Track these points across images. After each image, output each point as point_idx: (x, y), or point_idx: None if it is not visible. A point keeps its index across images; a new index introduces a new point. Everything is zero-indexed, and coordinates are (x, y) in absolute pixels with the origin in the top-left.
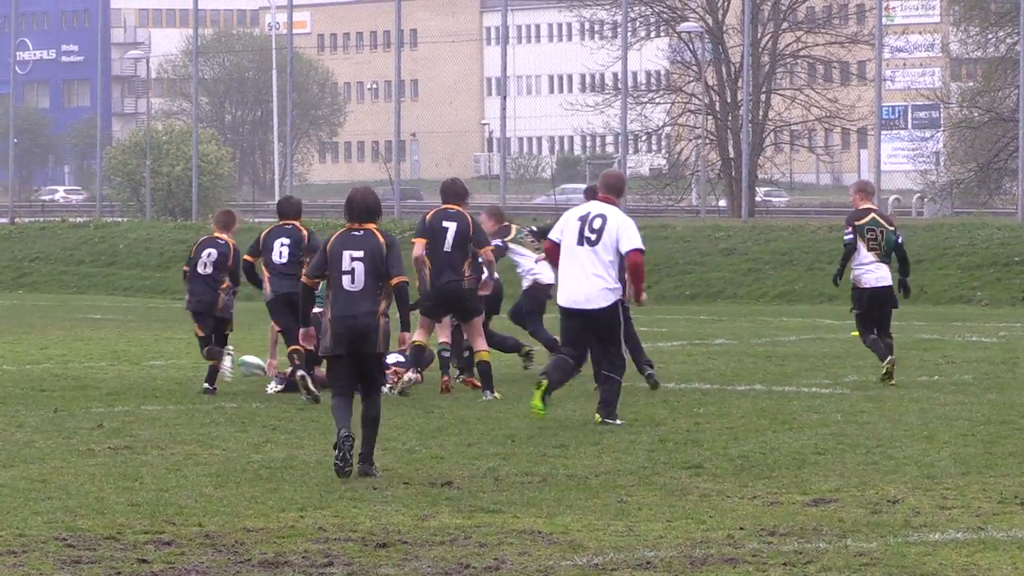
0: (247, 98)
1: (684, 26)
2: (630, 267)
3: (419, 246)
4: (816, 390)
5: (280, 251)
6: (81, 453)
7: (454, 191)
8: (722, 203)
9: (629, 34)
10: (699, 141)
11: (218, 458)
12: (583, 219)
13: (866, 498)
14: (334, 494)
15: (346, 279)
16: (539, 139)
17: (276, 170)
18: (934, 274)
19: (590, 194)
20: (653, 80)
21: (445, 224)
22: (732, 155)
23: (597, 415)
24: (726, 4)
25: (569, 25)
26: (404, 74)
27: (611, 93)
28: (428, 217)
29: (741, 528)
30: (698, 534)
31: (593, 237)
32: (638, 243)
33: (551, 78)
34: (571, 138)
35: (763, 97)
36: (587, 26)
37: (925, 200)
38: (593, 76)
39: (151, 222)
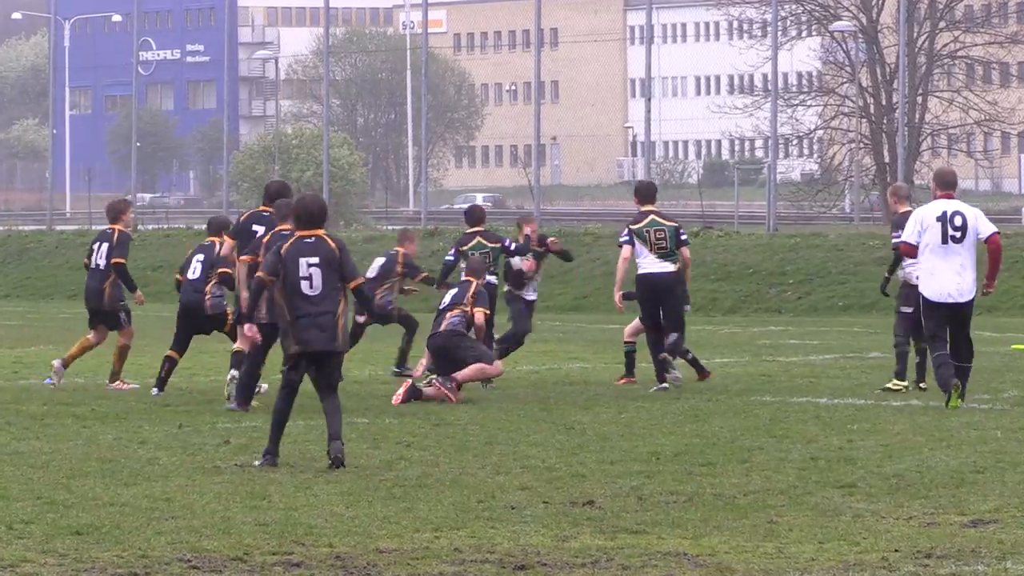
0: (380, 100)
1: (837, 25)
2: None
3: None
4: (974, 406)
5: (195, 267)
6: (206, 471)
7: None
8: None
9: (779, 33)
10: (852, 145)
11: (349, 476)
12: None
13: None
14: (470, 514)
15: (304, 284)
16: (685, 143)
17: (410, 175)
18: None
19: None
20: (804, 81)
21: None
22: (887, 160)
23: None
24: (881, 2)
25: (717, 24)
26: (544, 75)
27: (760, 95)
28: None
29: (896, 550)
30: (851, 556)
31: (958, 235)
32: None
33: (697, 79)
34: (718, 142)
35: (919, 99)
36: (735, 25)
37: None
38: (742, 77)
39: None
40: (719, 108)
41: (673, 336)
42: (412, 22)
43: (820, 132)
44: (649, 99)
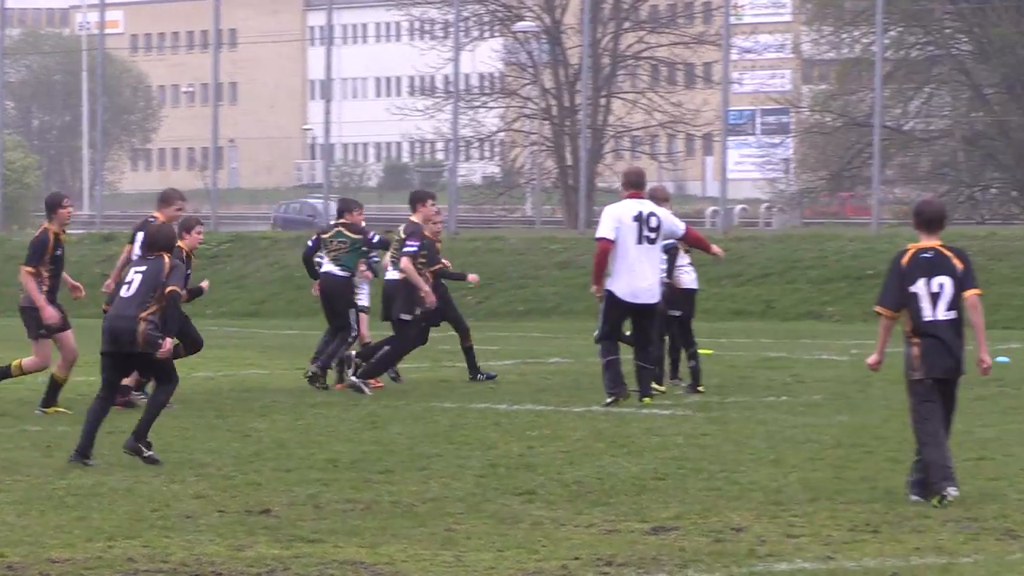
0: (55, 102)
1: (519, 25)
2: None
3: None
4: (656, 411)
5: None
6: None
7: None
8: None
9: (461, 34)
10: (535, 148)
11: (21, 485)
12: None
13: (709, 526)
14: (144, 523)
15: (124, 287)
16: (365, 145)
17: (85, 179)
18: (782, 288)
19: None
20: (486, 83)
21: None
22: (570, 162)
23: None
24: (564, 2)
25: (398, 24)
26: (222, 76)
27: (442, 96)
28: None
29: (576, 558)
30: (531, 564)
31: (653, 236)
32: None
33: (378, 80)
34: (399, 144)
35: (603, 101)
36: (417, 25)
37: (774, 210)
38: (423, 79)
39: None
40: (399, 110)
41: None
42: (88, 23)
43: (502, 134)
44: (329, 101)
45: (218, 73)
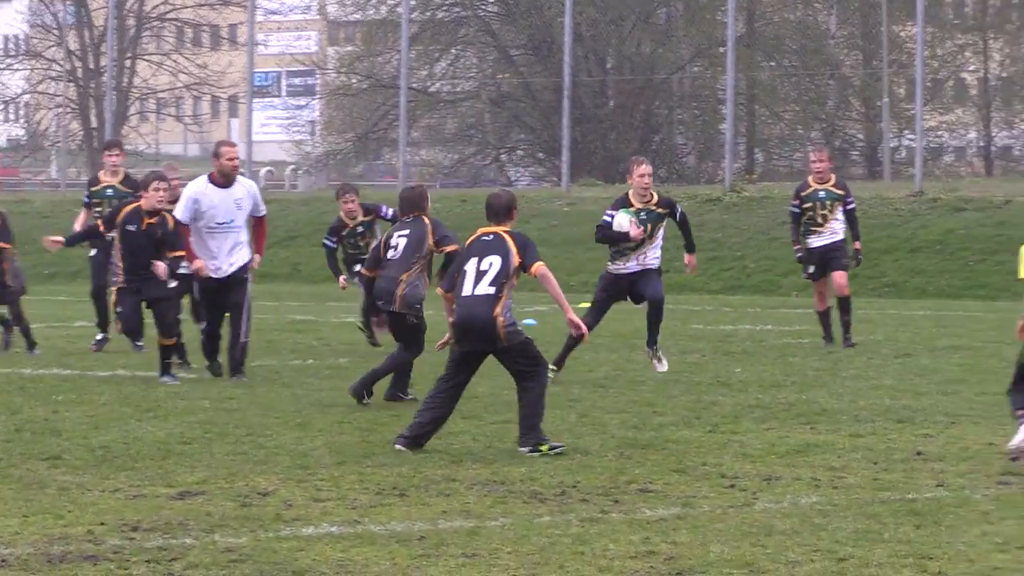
0: None
1: None
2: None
3: None
4: (184, 376)
5: None
6: None
7: None
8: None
9: None
10: (60, 110)
11: None
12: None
13: (235, 490)
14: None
15: (390, 251)
16: None
17: None
18: (310, 251)
19: None
20: (11, 45)
21: None
22: (95, 124)
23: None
24: None
25: None
26: None
27: None
28: None
29: (102, 523)
30: (56, 530)
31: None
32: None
33: None
34: None
35: (128, 63)
36: None
37: (300, 172)
38: None
39: None
40: None
41: None
42: None
43: (27, 97)
44: None
45: None
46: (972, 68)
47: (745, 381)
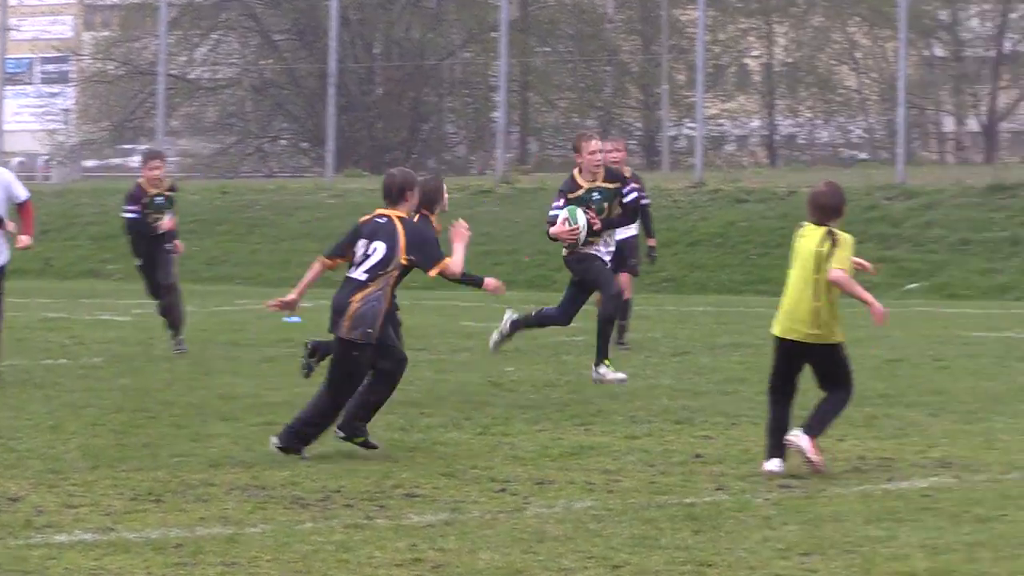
0: None
1: None
2: None
3: None
4: None
5: None
6: None
7: None
8: None
9: None
10: None
11: None
12: None
13: None
14: None
15: None
16: None
17: None
18: (62, 244)
19: None
20: None
21: None
22: None
23: None
24: None
25: None
26: None
27: None
28: None
29: None
30: None
31: None
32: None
33: None
34: None
35: None
36: None
37: (53, 163)
38: None
39: None
40: None
41: None
42: None
43: None
44: None
45: None
46: (755, 53)
47: (517, 380)
